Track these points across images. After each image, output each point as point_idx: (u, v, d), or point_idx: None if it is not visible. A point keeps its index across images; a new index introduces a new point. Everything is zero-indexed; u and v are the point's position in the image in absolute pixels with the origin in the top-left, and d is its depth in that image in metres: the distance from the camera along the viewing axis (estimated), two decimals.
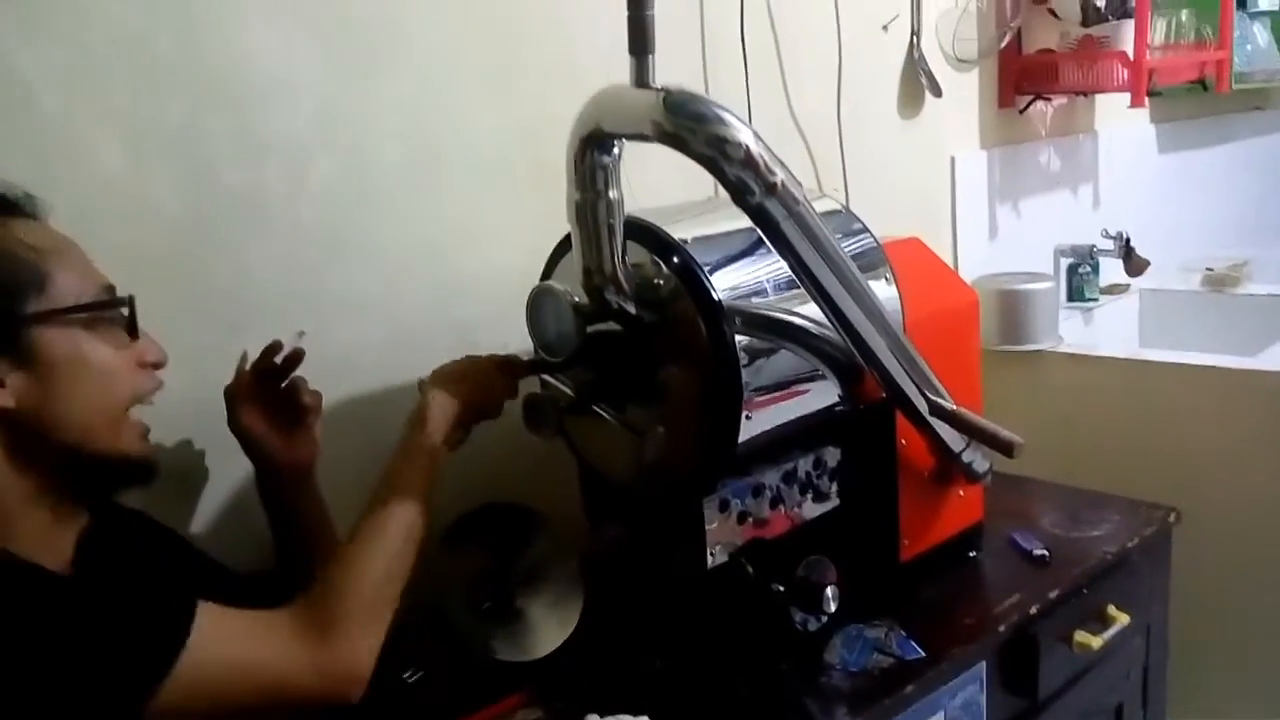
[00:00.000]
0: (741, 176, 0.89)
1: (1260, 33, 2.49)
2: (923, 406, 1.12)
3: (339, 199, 1.18)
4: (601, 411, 1.10)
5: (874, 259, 1.18)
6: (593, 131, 0.95)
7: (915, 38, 1.81)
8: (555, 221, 1.16)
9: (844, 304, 1.00)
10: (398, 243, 1.24)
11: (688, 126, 0.89)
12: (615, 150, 0.98)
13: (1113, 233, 2.17)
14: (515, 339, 1.24)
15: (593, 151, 0.97)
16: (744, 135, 0.89)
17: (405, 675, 1.14)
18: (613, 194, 0.99)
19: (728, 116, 0.89)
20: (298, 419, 1.05)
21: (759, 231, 0.94)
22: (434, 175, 1.26)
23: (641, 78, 0.92)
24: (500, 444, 1.20)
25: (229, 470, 1.11)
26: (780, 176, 0.90)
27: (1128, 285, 2.33)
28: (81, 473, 0.84)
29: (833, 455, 1.21)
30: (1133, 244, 2.15)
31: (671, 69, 0.96)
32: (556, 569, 1.26)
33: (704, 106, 0.89)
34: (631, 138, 0.95)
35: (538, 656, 1.17)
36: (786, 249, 0.94)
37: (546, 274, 1.16)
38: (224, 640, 0.80)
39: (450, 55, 1.26)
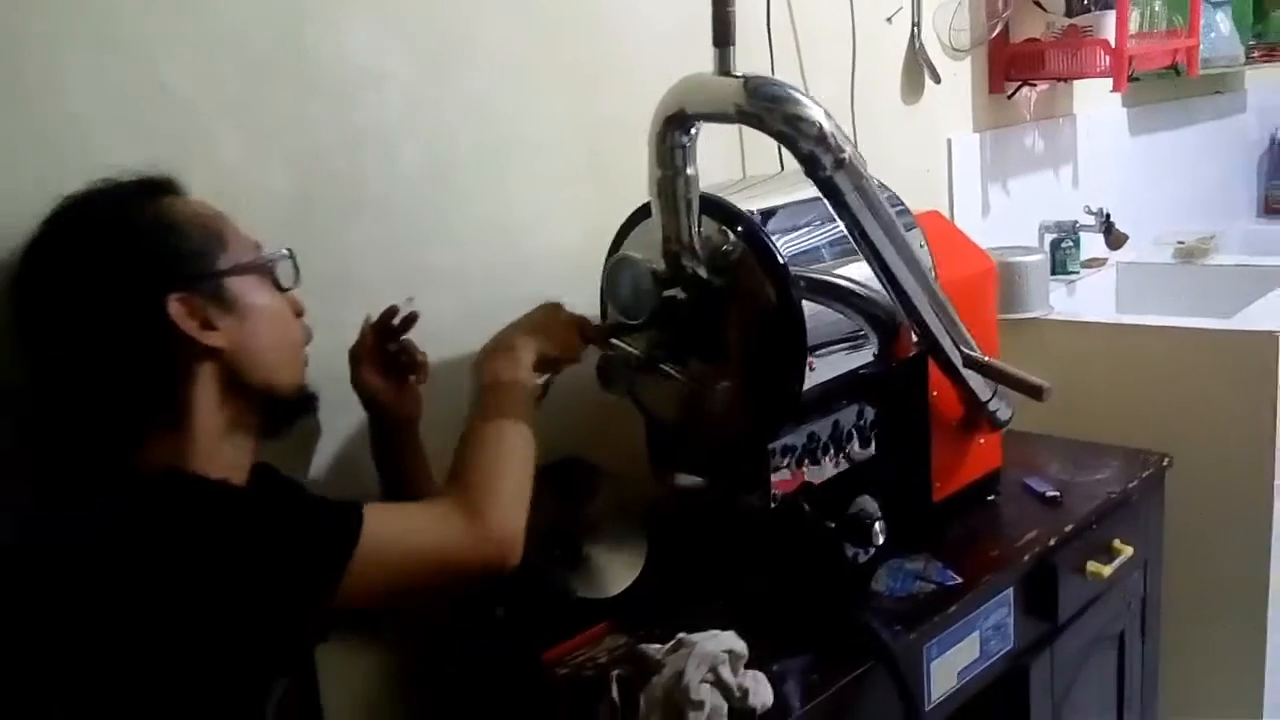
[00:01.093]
0: (814, 151, 1.01)
1: (1222, 21, 2.67)
2: (957, 359, 1.26)
3: (421, 184, 1.28)
4: (669, 370, 1.22)
5: (909, 227, 1.31)
6: (676, 113, 1.07)
7: (916, 29, 1.95)
8: (608, 206, 1.28)
9: (895, 266, 1.13)
10: (470, 224, 1.34)
11: (766, 107, 1.01)
12: (693, 131, 1.09)
13: (1094, 209, 2.33)
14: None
15: (674, 132, 1.08)
16: (817, 114, 1.01)
17: (497, 612, 1.26)
18: (690, 170, 1.11)
19: (802, 98, 1.01)
20: (405, 377, 1.16)
21: (824, 200, 1.07)
22: (501, 163, 1.37)
23: (724, 65, 1.04)
24: (568, 403, 1.31)
25: (337, 428, 1.21)
26: (849, 152, 1.02)
27: (1105, 259, 2.49)
28: (270, 405, 0.95)
29: (872, 407, 1.34)
30: (1113, 219, 2.31)
31: (707, 62, 1.07)
32: (618, 518, 1.37)
33: (781, 89, 1.02)
34: (712, 118, 1.07)
35: (612, 594, 1.29)
36: (849, 216, 1.07)
37: (615, 247, 1.28)
38: (391, 526, 0.91)
39: (516, 54, 1.37)
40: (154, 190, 0.93)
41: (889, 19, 1.91)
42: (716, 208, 1.17)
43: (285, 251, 0.97)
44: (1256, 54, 2.98)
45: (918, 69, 1.98)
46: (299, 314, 1.01)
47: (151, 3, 1.05)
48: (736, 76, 1.03)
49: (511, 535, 0.97)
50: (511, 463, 1.01)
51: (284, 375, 0.96)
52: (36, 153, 0.98)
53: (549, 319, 1.17)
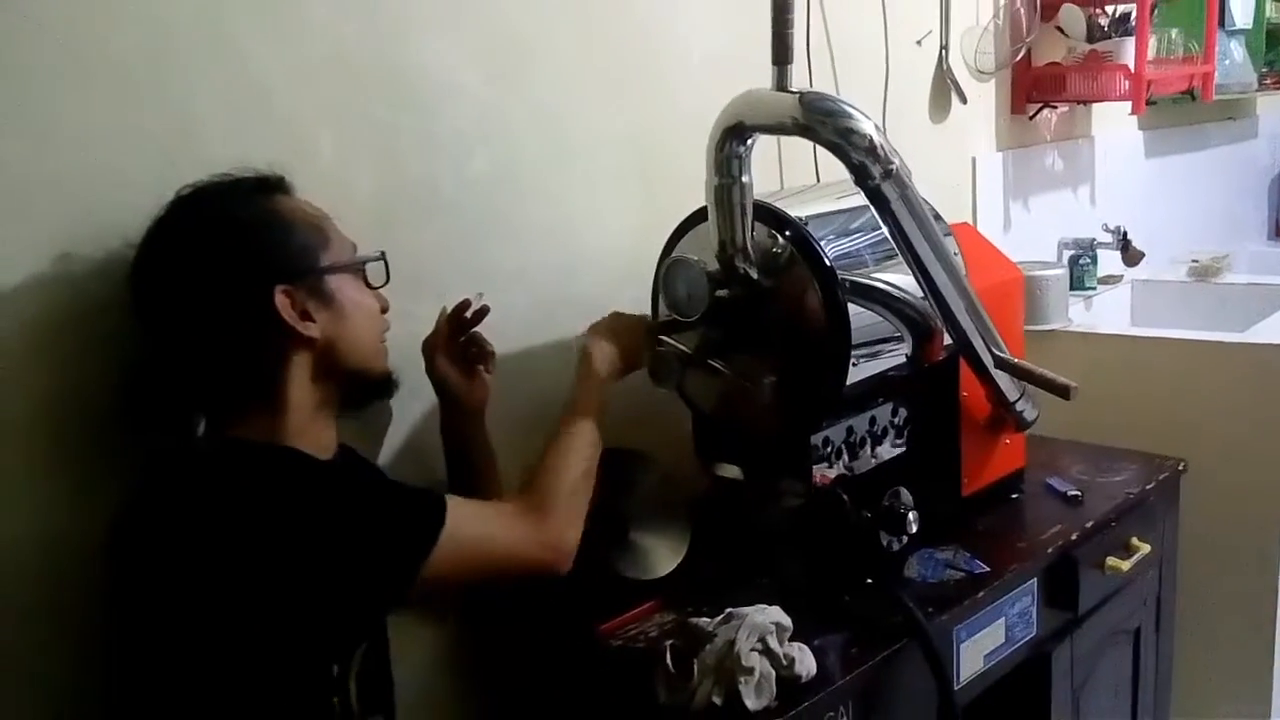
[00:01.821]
0: (864, 161, 1.10)
1: (1236, 49, 2.76)
2: (988, 359, 1.34)
3: (490, 188, 1.37)
4: (718, 365, 1.30)
5: (946, 234, 1.39)
6: (734, 125, 1.16)
7: (944, 51, 2.04)
8: (655, 210, 1.36)
9: (934, 270, 1.21)
10: (531, 227, 1.43)
11: (820, 120, 1.10)
12: (749, 142, 1.18)
13: (1112, 227, 2.41)
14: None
15: (731, 142, 1.17)
16: (867, 127, 1.10)
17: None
18: (745, 179, 1.19)
19: (854, 112, 1.10)
20: (474, 366, 1.25)
21: (871, 207, 1.15)
22: (561, 170, 1.46)
23: (781, 82, 1.13)
24: (618, 395, 1.39)
25: (408, 412, 1.30)
26: (896, 163, 1.11)
27: (1121, 276, 2.57)
28: (356, 389, 1.05)
29: (906, 405, 1.42)
30: (1129, 237, 2.39)
31: (750, 80, 1.17)
32: (664, 505, 1.45)
33: (834, 104, 1.10)
34: (769, 130, 1.16)
35: (659, 575, 1.37)
36: (894, 223, 1.15)
37: (668, 249, 1.36)
38: (468, 521, 1.00)
39: (575, 70, 1.46)
40: (268, 188, 1.02)
41: (919, 41, 2.00)
42: (768, 214, 1.25)
43: (379, 254, 1.06)
44: (1268, 81, 3.07)
45: (945, 90, 2.07)
46: (384, 310, 1.09)
47: (260, 18, 1.14)
48: (793, 92, 1.12)
49: (570, 546, 1.09)
50: (581, 475, 1.13)
51: (372, 364, 1.06)
52: (148, 153, 1.07)
53: (624, 326, 1.29)
